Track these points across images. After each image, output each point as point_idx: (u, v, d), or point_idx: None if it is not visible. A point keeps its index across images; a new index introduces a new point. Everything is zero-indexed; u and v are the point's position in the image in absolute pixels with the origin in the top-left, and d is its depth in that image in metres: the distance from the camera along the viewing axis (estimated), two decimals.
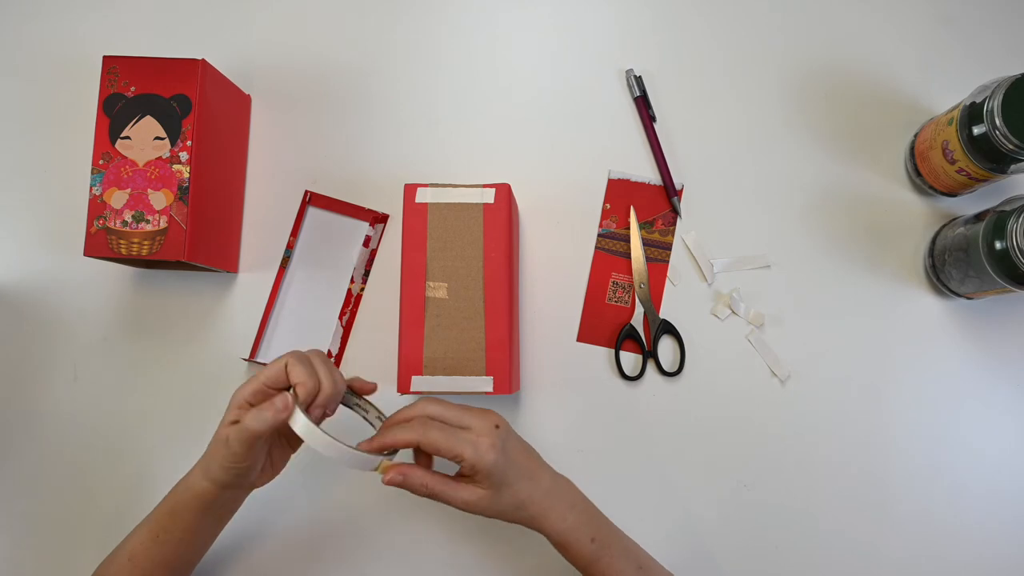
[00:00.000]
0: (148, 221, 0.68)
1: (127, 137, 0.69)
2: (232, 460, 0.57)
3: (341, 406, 0.61)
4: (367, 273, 0.78)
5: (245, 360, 0.76)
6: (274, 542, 0.74)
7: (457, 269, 0.66)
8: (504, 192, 0.67)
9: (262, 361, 0.76)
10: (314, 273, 0.78)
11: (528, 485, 0.58)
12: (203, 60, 0.70)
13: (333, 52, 0.80)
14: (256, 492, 0.63)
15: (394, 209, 0.78)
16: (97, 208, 0.68)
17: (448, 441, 0.56)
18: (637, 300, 0.75)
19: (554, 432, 0.75)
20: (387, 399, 0.75)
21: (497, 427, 0.58)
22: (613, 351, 0.75)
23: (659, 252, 0.77)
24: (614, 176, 0.78)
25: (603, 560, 0.60)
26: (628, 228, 0.77)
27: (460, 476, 0.59)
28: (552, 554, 0.62)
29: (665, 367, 0.75)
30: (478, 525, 0.73)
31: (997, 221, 0.65)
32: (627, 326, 0.75)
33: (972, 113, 0.66)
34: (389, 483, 0.57)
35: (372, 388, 0.62)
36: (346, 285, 0.78)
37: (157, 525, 0.61)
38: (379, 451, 0.58)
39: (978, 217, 0.68)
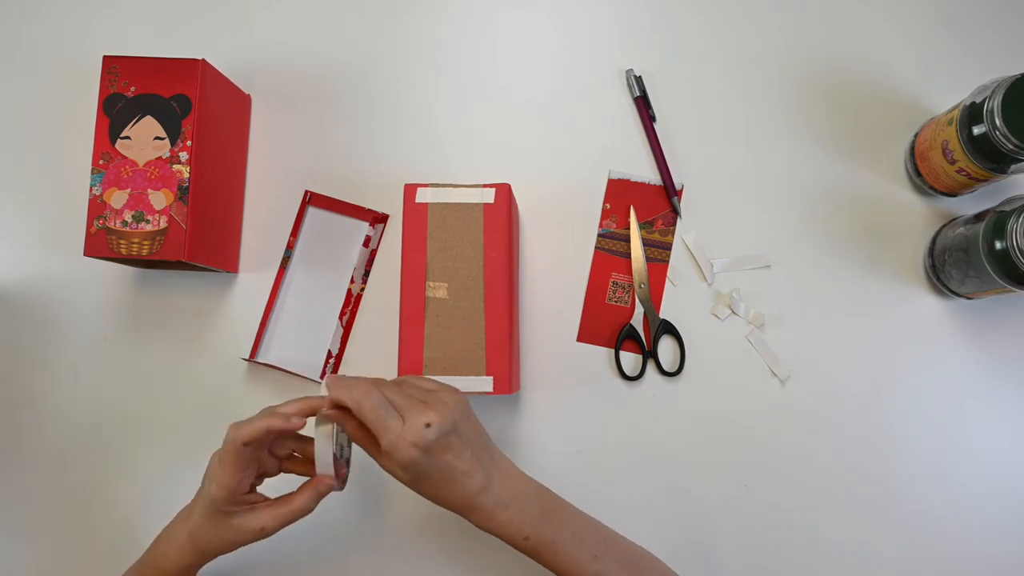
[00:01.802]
0: (148, 221, 0.68)
1: (127, 137, 0.69)
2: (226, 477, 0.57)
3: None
4: (367, 273, 0.78)
5: (245, 360, 0.76)
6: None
7: (457, 269, 0.66)
8: (504, 192, 0.67)
9: (262, 361, 0.76)
10: (314, 273, 0.78)
11: (449, 490, 0.56)
12: (203, 60, 0.70)
13: (333, 52, 0.80)
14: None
15: (394, 209, 0.78)
16: (97, 208, 0.68)
17: (376, 420, 0.54)
18: (637, 300, 0.75)
19: (554, 432, 0.75)
20: None
21: (428, 426, 0.54)
22: (613, 351, 0.75)
23: (659, 252, 0.77)
24: (614, 176, 0.78)
25: (543, 556, 0.59)
26: (628, 228, 0.77)
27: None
28: None
29: (665, 367, 0.75)
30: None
31: (997, 221, 0.65)
32: (627, 326, 0.75)
33: (972, 113, 0.66)
34: (325, 415, 0.56)
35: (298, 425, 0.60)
36: (346, 285, 0.78)
37: None
38: (315, 409, 0.59)
39: (978, 217, 0.68)
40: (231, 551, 0.61)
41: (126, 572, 0.64)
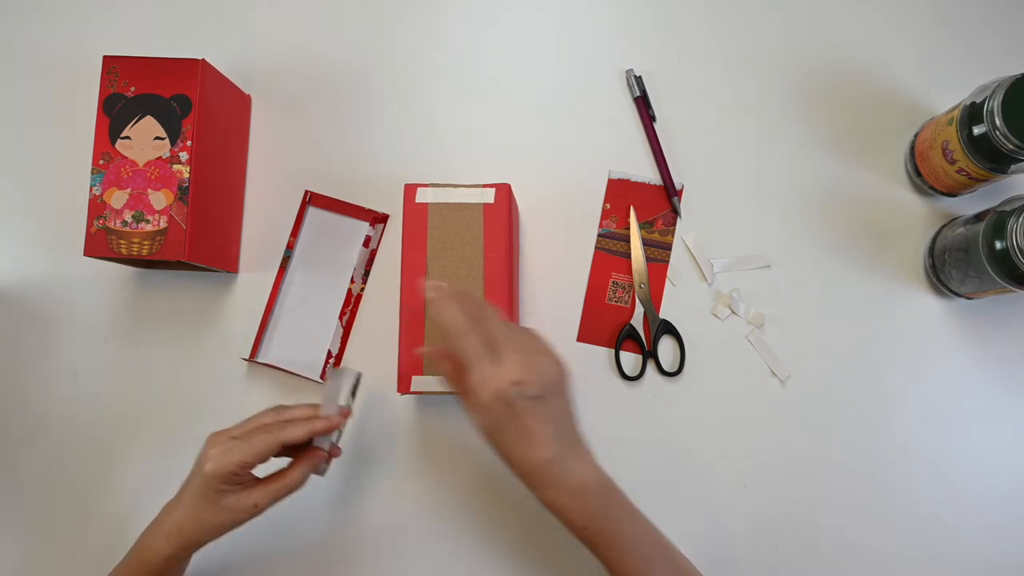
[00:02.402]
0: (148, 221, 0.68)
1: (127, 137, 0.69)
2: (238, 466, 0.58)
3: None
4: (367, 273, 0.78)
5: (245, 360, 0.76)
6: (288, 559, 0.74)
7: (457, 269, 0.66)
8: (504, 192, 0.67)
9: (262, 361, 0.76)
10: (314, 273, 0.78)
11: (521, 451, 0.56)
12: (203, 60, 0.70)
13: (333, 52, 0.80)
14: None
15: (394, 209, 0.78)
16: (97, 208, 0.68)
17: (472, 356, 0.55)
18: (637, 300, 0.75)
19: None
20: (387, 399, 0.75)
21: (517, 384, 0.54)
22: (613, 351, 0.75)
23: (659, 252, 0.77)
24: (614, 176, 0.78)
25: (597, 548, 0.59)
26: (628, 228, 0.77)
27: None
28: None
29: (665, 367, 0.75)
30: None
31: (997, 221, 0.65)
32: (627, 326, 0.75)
33: (972, 113, 0.66)
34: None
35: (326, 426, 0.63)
36: (346, 285, 0.78)
37: None
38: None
39: (978, 217, 0.68)
40: (220, 535, 0.61)
41: (112, 571, 0.64)
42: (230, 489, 0.60)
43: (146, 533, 0.63)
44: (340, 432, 0.65)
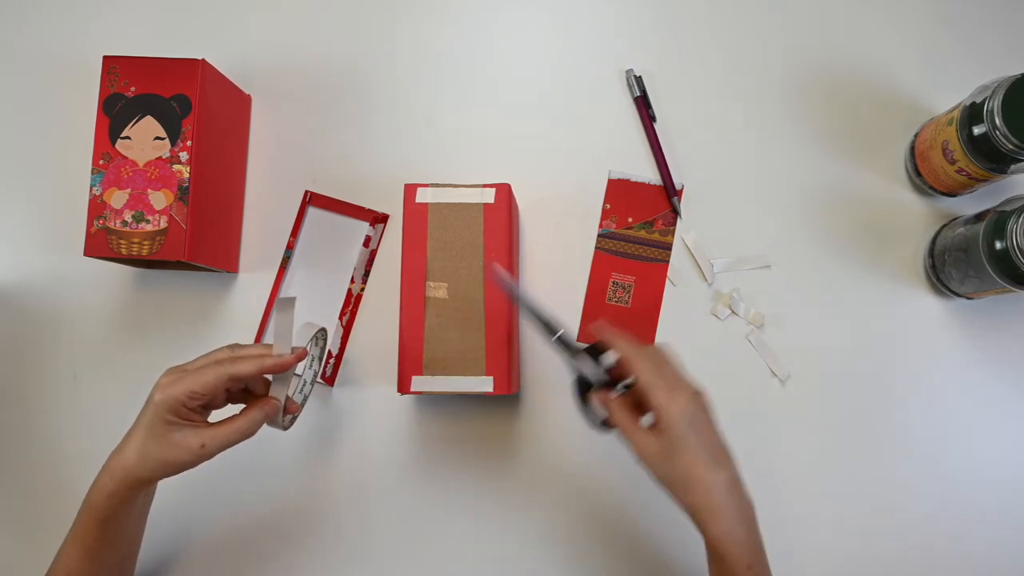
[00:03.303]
0: (148, 221, 0.68)
1: (127, 137, 0.69)
2: (200, 388, 0.57)
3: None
4: (367, 273, 0.78)
5: None
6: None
7: (457, 269, 0.66)
8: (504, 192, 0.67)
9: None
10: (314, 273, 0.78)
11: (706, 468, 0.54)
12: (203, 60, 0.70)
13: (333, 52, 0.80)
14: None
15: (394, 209, 0.78)
16: (97, 208, 0.68)
17: (651, 377, 0.56)
18: (570, 360, 0.63)
19: (554, 432, 0.75)
20: (387, 399, 0.75)
21: (698, 394, 0.56)
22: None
23: (659, 252, 0.77)
24: (614, 176, 0.78)
25: None
26: (628, 228, 0.77)
27: (650, 428, 0.57)
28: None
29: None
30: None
31: (997, 221, 0.65)
32: (577, 380, 0.63)
33: (972, 113, 0.66)
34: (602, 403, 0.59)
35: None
36: (346, 285, 0.78)
37: (86, 537, 0.60)
38: (592, 337, 0.61)
39: (978, 217, 0.68)
40: (164, 474, 0.58)
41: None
42: (178, 422, 0.57)
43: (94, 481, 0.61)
44: (305, 395, 0.65)
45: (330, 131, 0.79)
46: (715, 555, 0.56)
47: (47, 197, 0.79)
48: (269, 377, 0.62)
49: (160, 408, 0.57)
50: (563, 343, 0.62)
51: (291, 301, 0.61)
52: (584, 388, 0.62)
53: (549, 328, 0.62)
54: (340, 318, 0.77)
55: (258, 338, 0.76)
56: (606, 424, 0.61)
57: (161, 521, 0.67)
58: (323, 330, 0.65)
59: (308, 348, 0.61)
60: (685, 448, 0.54)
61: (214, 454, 0.58)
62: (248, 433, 0.59)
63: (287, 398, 0.61)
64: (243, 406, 0.61)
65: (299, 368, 0.62)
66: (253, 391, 0.62)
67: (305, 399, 0.67)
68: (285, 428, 0.63)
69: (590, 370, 0.61)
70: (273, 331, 0.62)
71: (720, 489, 0.54)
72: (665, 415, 0.55)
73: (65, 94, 0.80)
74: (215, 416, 0.61)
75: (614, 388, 0.62)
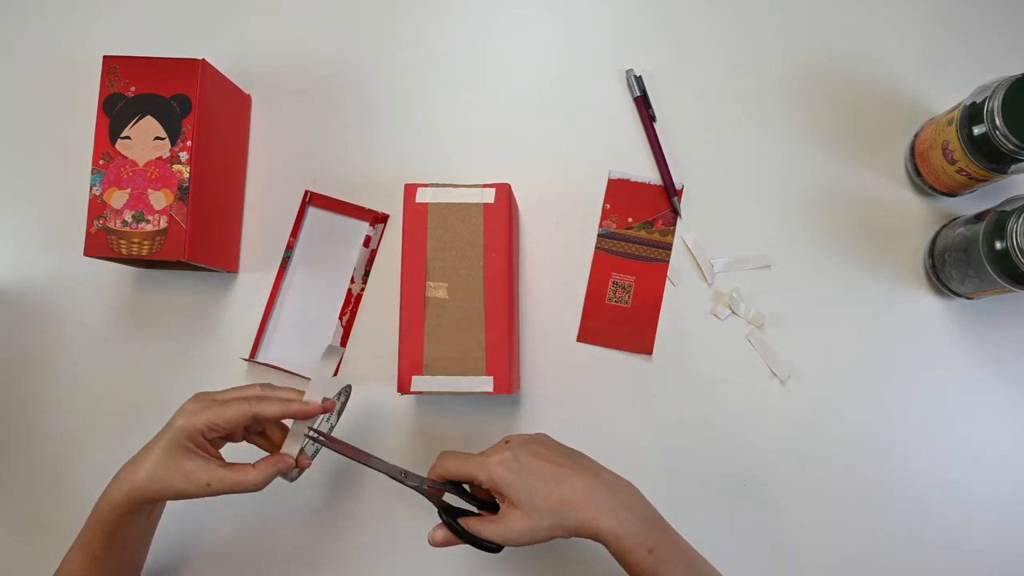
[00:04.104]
0: (148, 221, 0.68)
1: (127, 137, 0.69)
2: (219, 422, 0.58)
3: None
4: (367, 273, 0.78)
5: (245, 360, 0.76)
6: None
7: (457, 269, 0.66)
8: (504, 192, 0.67)
9: (262, 361, 0.76)
10: (314, 273, 0.78)
11: (557, 487, 0.56)
12: (203, 60, 0.70)
13: (333, 52, 0.80)
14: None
15: (394, 209, 0.78)
16: (97, 208, 0.68)
17: (461, 466, 0.59)
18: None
19: (554, 432, 0.75)
20: (387, 399, 0.75)
21: (507, 442, 0.59)
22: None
23: (659, 252, 0.77)
24: (614, 176, 0.78)
25: (661, 573, 0.56)
26: (628, 228, 0.77)
27: (498, 513, 0.59)
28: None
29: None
30: None
31: (997, 221, 0.65)
32: (443, 512, 0.61)
33: (972, 113, 0.66)
34: (435, 542, 0.60)
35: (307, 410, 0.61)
36: (346, 285, 0.78)
37: (93, 544, 0.60)
38: (428, 482, 0.62)
39: (978, 217, 0.68)
40: (166, 498, 0.59)
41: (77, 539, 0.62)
42: (194, 450, 0.58)
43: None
44: (317, 448, 0.65)
45: (330, 131, 0.79)
46: (617, 553, 0.56)
47: (47, 197, 0.79)
48: (288, 423, 0.63)
49: (180, 434, 0.58)
50: (421, 489, 0.63)
51: (339, 351, 0.63)
52: (454, 517, 0.61)
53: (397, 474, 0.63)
54: (340, 318, 0.77)
55: (257, 339, 0.76)
56: (490, 544, 0.59)
57: (162, 524, 0.67)
58: (349, 387, 0.67)
59: (336, 401, 0.63)
60: (533, 492, 0.56)
61: (217, 495, 0.59)
62: (257, 487, 0.60)
63: (300, 451, 0.62)
64: (251, 442, 0.63)
65: (316, 419, 0.63)
66: (269, 434, 0.63)
67: (316, 452, 0.65)
68: (292, 480, 0.63)
69: (456, 501, 0.62)
70: (312, 375, 0.62)
71: (582, 495, 0.56)
72: (497, 482, 0.57)
73: (65, 94, 0.80)
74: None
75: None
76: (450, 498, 0.62)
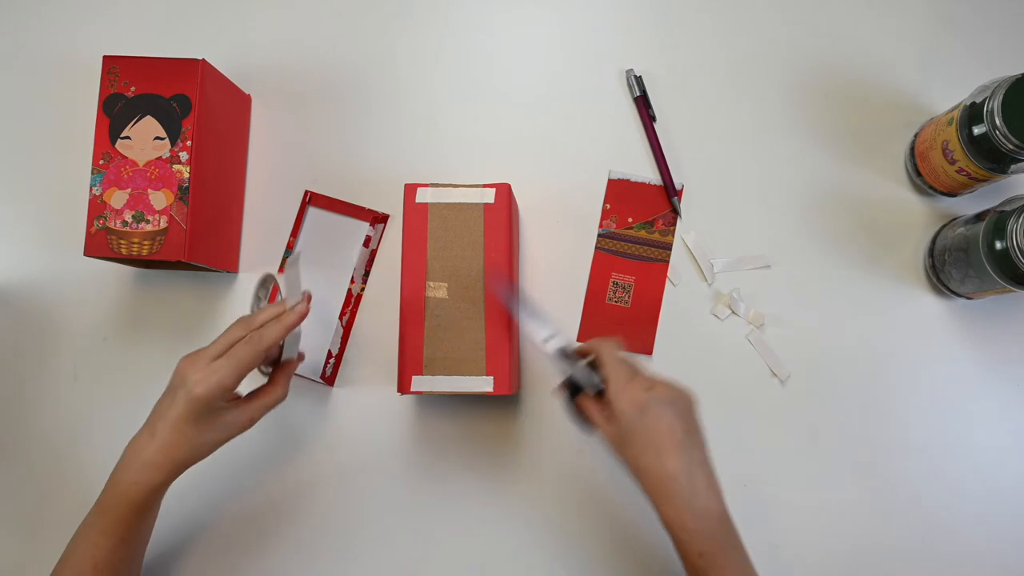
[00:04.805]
0: (148, 221, 0.68)
1: (127, 137, 0.69)
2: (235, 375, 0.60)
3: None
4: (367, 273, 0.78)
5: None
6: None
7: (457, 269, 0.67)
8: (504, 192, 0.67)
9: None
10: (314, 273, 0.78)
11: (653, 457, 0.57)
12: (203, 60, 0.70)
13: (333, 52, 0.80)
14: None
15: (394, 209, 0.78)
16: (97, 208, 0.68)
17: (611, 371, 0.59)
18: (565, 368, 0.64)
19: (554, 432, 0.75)
20: (387, 399, 0.75)
21: (655, 386, 0.58)
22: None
23: (659, 252, 0.77)
24: (614, 176, 0.78)
25: None
26: (628, 228, 0.77)
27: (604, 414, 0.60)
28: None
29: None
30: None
31: (997, 221, 0.65)
32: (566, 383, 0.64)
33: (972, 113, 0.66)
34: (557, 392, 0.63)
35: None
36: (346, 285, 0.78)
37: (120, 529, 0.61)
38: (570, 352, 0.63)
39: (978, 217, 0.68)
40: (211, 453, 0.62)
41: (78, 530, 0.62)
42: (226, 406, 0.61)
43: (118, 475, 0.61)
44: (298, 337, 0.68)
45: (330, 131, 0.79)
46: (673, 539, 0.58)
47: (47, 197, 0.79)
48: None
49: (201, 403, 0.59)
50: (562, 353, 0.63)
51: (298, 256, 0.69)
52: (574, 392, 0.63)
53: (548, 336, 0.64)
54: (340, 318, 0.77)
55: None
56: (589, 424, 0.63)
57: (161, 514, 0.67)
58: (270, 275, 0.72)
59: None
60: (632, 437, 0.57)
61: (255, 423, 0.63)
62: (284, 398, 0.65)
63: (297, 352, 0.68)
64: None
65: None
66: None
67: (298, 340, 0.69)
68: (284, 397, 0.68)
69: (583, 377, 0.62)
70: (285, 286, 0.67)
71: (667, 478, 0.56)
72: (614, 405, 0.58)
73: (65, 94, 0.80)
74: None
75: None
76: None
